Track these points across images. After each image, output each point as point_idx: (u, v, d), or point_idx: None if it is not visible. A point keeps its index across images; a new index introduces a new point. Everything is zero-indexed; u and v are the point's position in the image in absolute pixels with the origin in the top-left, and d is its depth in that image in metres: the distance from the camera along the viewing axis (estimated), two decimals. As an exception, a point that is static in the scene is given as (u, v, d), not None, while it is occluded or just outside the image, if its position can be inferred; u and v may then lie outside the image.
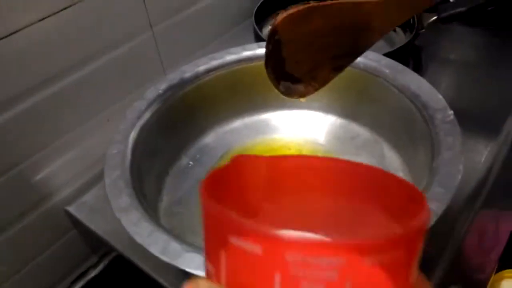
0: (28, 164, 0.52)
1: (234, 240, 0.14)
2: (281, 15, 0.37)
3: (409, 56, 0.73)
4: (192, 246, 0.36)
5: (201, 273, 0.34)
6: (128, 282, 0.62)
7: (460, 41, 0.78)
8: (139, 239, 0.36)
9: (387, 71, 0.51)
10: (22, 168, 0.51)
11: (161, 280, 0.48)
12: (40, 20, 0.47)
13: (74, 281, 0.63)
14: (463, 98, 0.67)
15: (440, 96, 0.47)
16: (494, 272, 0.66)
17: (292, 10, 0.37)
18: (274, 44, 0.38)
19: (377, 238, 0.14)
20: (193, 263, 0.34)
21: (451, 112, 0.44)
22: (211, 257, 0.16)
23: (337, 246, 0.13)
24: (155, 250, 0.35)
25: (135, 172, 0.44)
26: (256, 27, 0.72)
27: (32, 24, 0.46)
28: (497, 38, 0.76)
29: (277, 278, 0.14)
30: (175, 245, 0.35)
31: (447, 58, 0.75)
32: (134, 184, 0.42)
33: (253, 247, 0.14)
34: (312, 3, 0.38)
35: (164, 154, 0.53)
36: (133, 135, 0.47)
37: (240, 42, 0.75)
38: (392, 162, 0.51)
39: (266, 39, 0.69)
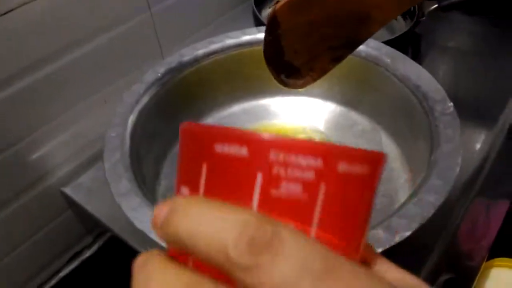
0: (24, 144, 0.51)
1: (220, 148, 0.15)
2: (281, 2, 0.37)
3: (409, 43, 0.72)
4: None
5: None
6: (123, 262, 0.62)
7: (459, 29, 0.77)
8: (139, 225, 0.36)
9: (388, 60, 0.51)
10: (18, 148, 0.51)
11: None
12: (37, -1, 0.46)
13: (69, 261, 0.63)
14: (460, 87, 0.67)
15: (440, 87, 0.47)
16: (485, 260, 0.67)
17: None
18: (273, 32, 0.38)
19: (349, 147, 0.15)
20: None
21: (451, 104, 0.44)
22: (186, 178, 0.17)
23: (316, 147, 0.15)
24: (155, 236, 0.35)
25: (134, 156, 0.44)
26: (255, 9, 0.71)
27: (27, 2, 0.45)
28: (497, 28, 0.76)
29: (259, 178, 0.15)
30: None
31: (446, 46, 0.75)
32: (134, 168, 0.42)
33: (239, 150, 0.15)
34: None
35: (163, 138, 0.53)
36: (131, 118, 0.46)
37: (239, 24, 0.74)
38: (390, 151, 0.52)
39: (265, 21, 0.69)
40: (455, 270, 0.56)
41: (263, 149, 0.15)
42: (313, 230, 0.15)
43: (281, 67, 0.42)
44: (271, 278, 0.13)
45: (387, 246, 0.33)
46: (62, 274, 0.62)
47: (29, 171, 0.53)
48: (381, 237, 0.34)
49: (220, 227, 0.14)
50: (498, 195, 0.63)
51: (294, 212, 0.15)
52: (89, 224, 0.63)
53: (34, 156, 0.53)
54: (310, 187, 0.15)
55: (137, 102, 0.48)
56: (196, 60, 0.54)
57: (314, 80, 0.44)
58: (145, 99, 0.49)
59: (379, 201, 0.48)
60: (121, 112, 0.46)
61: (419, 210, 0.35)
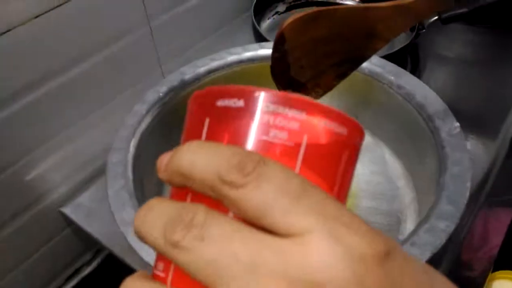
0: (22, 164, 0.50)
1: (220, 103, 0.18)
2: (288, 19, 0.37)
3: (408, 54, 0.72)
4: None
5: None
6: (122, 279, 0.62)
7: (459, 39, 0.77)
8: (146, 257, 0.35)
9: (392, 77, 0.50)
10: (16, 168, 0.50)
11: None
12: (35, 17, 0.45)
13: (68, 279, 0.62)
14: (461, 97, 0.67)
15: (446, 107, 0.46)
16: (485, 271, 0.67)
17: (299, 14, 0.37)
18: (280, 49, 0.38)
19: (331, 108, 0.18)
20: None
21: (457, 124, 0.44)
22: (191, 133, 0.19)
23: (301, 101, 0.17)
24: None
25: (137, 181, 0.43)
26: (254, 21, 0.70)
27: (26, 21, 0.44)
28: (496, 37, 0.76)
29: (253, 125, 0.17)
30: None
31: (445, 56, 0.75)
32: (137, 194, 0.41)
33: (237, 102, 0.17)
34: (319, 8, 0.37)
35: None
36: (133, 142, 0.45)
37: (238, 36, 0.73)
38: (394, 169, 0.51)
39: (264, 33, 0.68)
40: (457, 282, 0.55)
41: (256, 101, 0.17)
42: None
43: (287, 83, 0.42)
44: (255, 195, 0.15)
45: (400, 277, 0.32)
46: (62, 292, 0.62)
47: (27, 191, 0.52)
48: (393, 267, 0.33)
49: (215, 156, 0.16)
50: (499, 205, 0.63)
51: (280, 157, 0.17)
52: (88, 241, 0.61)
53: (32, 176, 0.52)
54: (294, 136, 0.17)
55: (139, 123, 0.47)
56: (198, 78, 0.53)
57: (320, 96, 0.44)
58: (147, 120, 0.48)
59: (385, 220, 0.47)
60: (123, 136, 0.45)
61: (431, 239, 0.35)
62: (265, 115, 0.17)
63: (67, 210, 0.55)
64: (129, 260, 0.50)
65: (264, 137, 0.17)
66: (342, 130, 0.18)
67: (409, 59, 0.72)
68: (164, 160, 0.18)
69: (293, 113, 0.17)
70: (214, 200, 0.16)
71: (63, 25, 0.47)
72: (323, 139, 0.17)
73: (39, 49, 0.46)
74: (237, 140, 0.17)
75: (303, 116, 0.17)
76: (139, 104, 0.49)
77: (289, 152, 0.17)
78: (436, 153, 0.42)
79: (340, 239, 0.15)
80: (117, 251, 0.51)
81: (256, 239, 0.15)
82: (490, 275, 0.61)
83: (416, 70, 0.70)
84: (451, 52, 0.76)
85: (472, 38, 0.77)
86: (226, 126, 0.18)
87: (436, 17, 0.65)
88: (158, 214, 0.17)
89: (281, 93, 0.17)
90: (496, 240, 0.70)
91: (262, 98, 0.17)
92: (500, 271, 0.62)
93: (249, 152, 0.16)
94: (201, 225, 0.15)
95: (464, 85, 0.70)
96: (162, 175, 0.18)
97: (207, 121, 0.18)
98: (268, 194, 0.15)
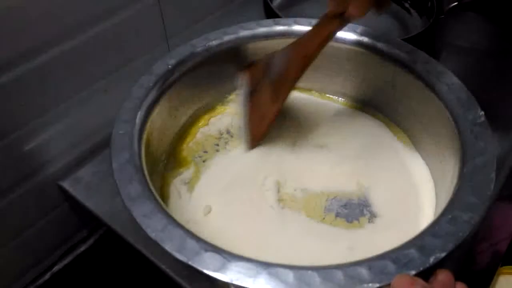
0: (20, 134, 0.48)
1: None
2: None
3: (423, 42, 0.70)
4: (208, 244, 0.33)
5: (219, 275, 0.32)
6: (119, 257, 0.60)
7: (476, 28, 0.75)
8: (152, 234, 0.33)
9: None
10: (13, 138, 0.47)
11: (160, 265, 0.45)
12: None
13: (63, 256, 0.61)
14: (474, 87, 0.65)
15: (471, 94, 0.44)
16: (487, 266, 0.66)
17: None
18: None
19: None
20: (212, 265, 0.32)
21: (482, 112, 0.42)
22: None
23: None
24: (170, 247, 0.33)
25: (141, 155, 0.41)
26: (266, -3, 0.68)
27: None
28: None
29: None
30: (192, 243, 0.33)
31: (461, 45, 0.73)
32: (143, 169, 0.39)
33: None
34: None
35: (171, 132, 0.50)
36: (140, 114, 0.43)
37: (249, 11, 0.71)
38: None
39: (276, 9, 0.66)
40: (460, 275, 0.54)
41: None
42: None
43: None
44: None
45: (421, 269, 0.31)
46: (56, 269, 0.60)
47: (24, 162, 0.50)
48: (414, 258, 0.31)
49: None
50: (506, 199, 0.62)
51: None
52: (85, 217, 0.60)
53: (30, 146, 0.49)
54: None
55: (146, 95, 0.44)
56: (208, 51, 0.50)
57: None
58: (154, 93, 0.45)
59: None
60: (129, 108, 0.43)
61: (454, 229, 0.33)
62: None
63: (66, 184, 0.53)
64: (129, 237, 0.48)
65: None
66: None
67: (423, 47, 0.70)
68: None
69: None
70: None
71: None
72: None
73: (40, 15, 0.43)
74: None
75: None
76: (147, 75, 0.46)
77: None
78: (459, 142, 0.41)
79: None
80: (117, 227, 0.49)
81: None
82: (497, 271, 0.60)
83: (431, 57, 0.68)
84: (467, 41, 0.73)
85: (489, 28, 0.75)
86: None
87: (456, 3, 0.63)
88: None
89: None
90: (502, 235, 0.68)
91: None
92: (506, 267, 0.61)
93: None
94: None
95: (479, 76, 0.68)
96: None
97: None
98: None
